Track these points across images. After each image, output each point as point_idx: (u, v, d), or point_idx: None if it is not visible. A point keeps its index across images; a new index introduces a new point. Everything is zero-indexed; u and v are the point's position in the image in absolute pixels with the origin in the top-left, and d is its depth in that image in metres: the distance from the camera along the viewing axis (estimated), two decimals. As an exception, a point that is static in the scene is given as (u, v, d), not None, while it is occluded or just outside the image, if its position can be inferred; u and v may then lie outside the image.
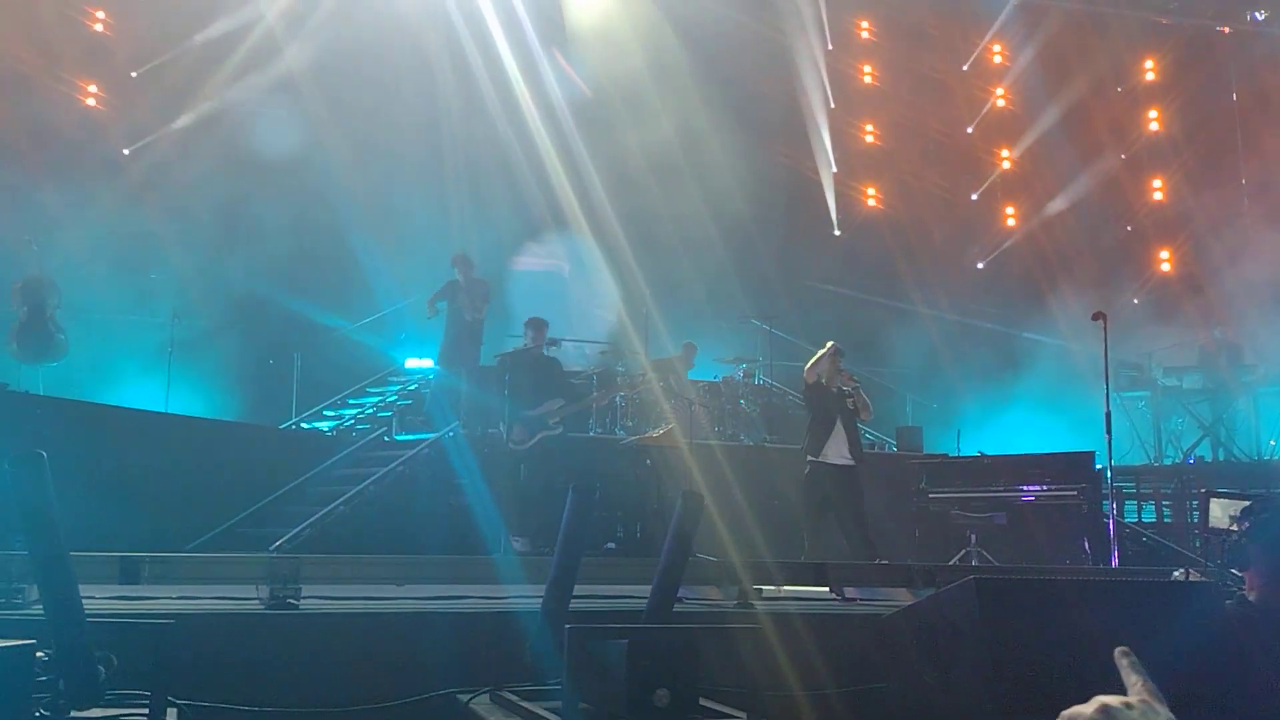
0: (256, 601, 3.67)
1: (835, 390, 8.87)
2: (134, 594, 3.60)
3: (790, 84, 16.17)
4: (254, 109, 13.12)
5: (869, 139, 16.21)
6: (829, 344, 9.01)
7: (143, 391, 10.72)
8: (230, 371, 11.74)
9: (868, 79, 16.21)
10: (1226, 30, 14.99)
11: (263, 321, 12.38)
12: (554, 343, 10.15)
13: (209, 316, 11.66)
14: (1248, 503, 4.27)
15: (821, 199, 16.17)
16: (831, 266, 15.40)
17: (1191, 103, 14.81)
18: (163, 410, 10.33)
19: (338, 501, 9.00)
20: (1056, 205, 14.99)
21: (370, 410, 11.99)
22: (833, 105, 16.12)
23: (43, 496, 2.29)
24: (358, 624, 3.57)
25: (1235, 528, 3.50)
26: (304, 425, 11.74)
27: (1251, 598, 3.40)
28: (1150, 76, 15.30)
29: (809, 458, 8.79)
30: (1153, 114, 15.24)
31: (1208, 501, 4.34)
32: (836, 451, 8.73)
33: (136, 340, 11.09)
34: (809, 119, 16.13)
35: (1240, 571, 3.47)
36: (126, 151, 12.40)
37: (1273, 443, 12.18)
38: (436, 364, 10.85)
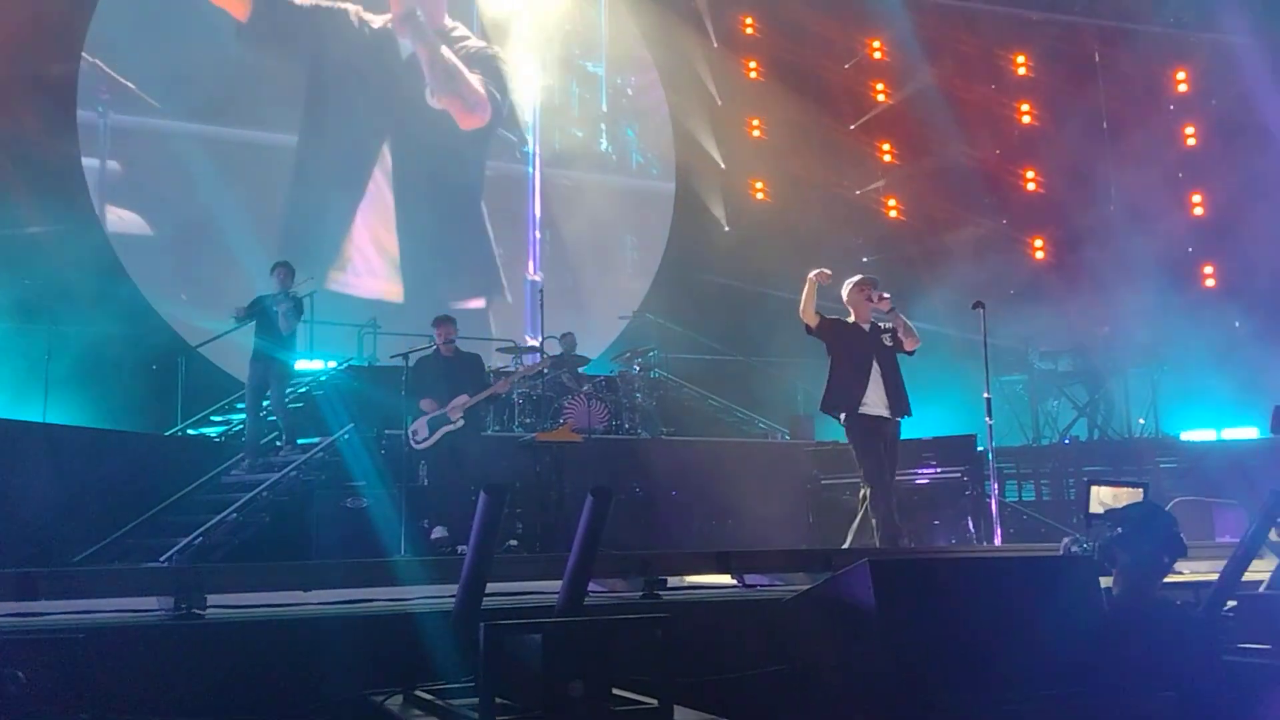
0: (160, 613, 3.62)
1: (868, 326, 7.49)
2: (32, 610, 3.51)
3: (677, 80, 16.40)
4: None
5: (756, 134, 16.50)
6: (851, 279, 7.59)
7: (18, 401, 10.31)
8: (111, 379, 11.36)
9: (753, 74, 16.50)
10: (1092, 25, 15.70)
11: (145, 327, 12.05)
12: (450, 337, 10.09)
13: (89, 323, 11.27)
14: (1127, 490, 4.54)
15: (711, 193, 16.42)
16: (723, 260, 15.64)
17: (1060, 97, 15.44)
18: (40, 420, 9.96)
19: (229, 510, 8.82)
20: (936, 197, 15.48)
21: (261, 414, 11.75)
22: (720, 102, 16.38)
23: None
24: (265, 631, 3.55)
25: (1109, 528, 3.77)
26: (190, 432, 11.46)
27: (1115, 593, 3.70)
28: (1022, 71, 15.88)
29: (842, 414, 7.37)
30: (1025, 107, 15.84)
31: (1088, 490, 4.59)
32: (876, 402, 7.28)
33: (11, 349, 10.67)
34: (696, 115, 16.37)
35: (1110, 567, 3.74)
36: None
37: (1141, 421, 12.85)
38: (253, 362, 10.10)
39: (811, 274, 7.33)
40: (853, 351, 7.42)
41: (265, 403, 10.09)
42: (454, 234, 14.84)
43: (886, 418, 7.32)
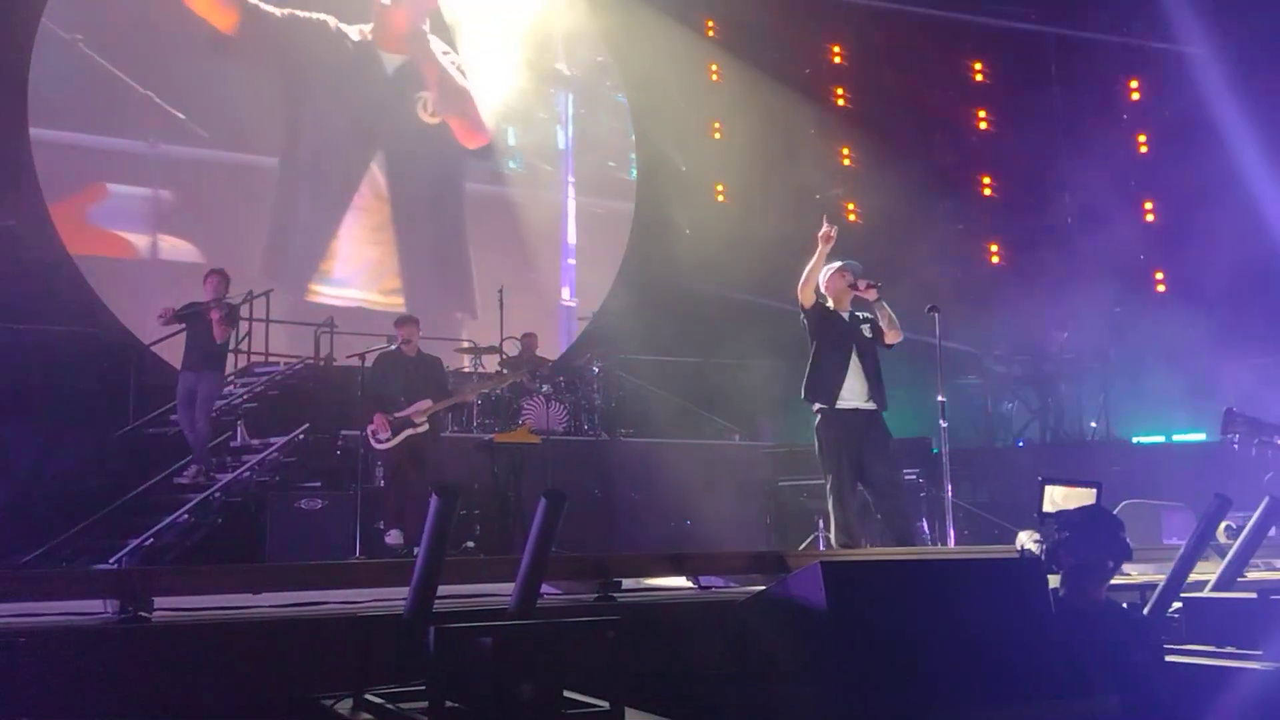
0: (105, 615, 3.57)
1: (847, 315, 7.23)
2: (-28, 613, 3.44)
3: (639, 80, 16.41)
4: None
5: (717, 136, 16.52)
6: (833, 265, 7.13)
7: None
8: (62, 377, 11.17)
9: (714, 77, 16.53)
10: (1049, 34, 15.90)
11: (97, 324, 11.88)
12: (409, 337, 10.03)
13: (39, 320, 11.08)
14: (1081, 490, 4.58)
15: (673, 195, 16.42)
16: (684, 261, 15.66)
17: (1017, 104, 15.60)
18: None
19: (180, 511, 8.73)
20: (895, 201, 15.59)
21: (215, 414, 11.62)
22: (682, 103, 16.40)
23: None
24: (213, 634, 3.50)
25: (1056, 531, 3.83)
26: (143, 432, 11.30)
27: (1061, 594, 3.76)
28: (980, 78, 16.03)
29: (818, 405, 7.02)
30: (982, 114, 15.99)
31: (1043, 488, 4.63)
32: (855, 393, 7.01)
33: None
34: (657, 115, 16.39)
35: (1056, 569, 3.79)
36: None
37: (1094, 424, 13.02)
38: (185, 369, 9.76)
39: (820, 232, 6.95)
40: (834, 340, 7.12)
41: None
42: (444, 249, 14.88)
43: (868, 409, 7.05)
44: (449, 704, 2.87)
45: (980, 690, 3.38)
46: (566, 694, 2.92)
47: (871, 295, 7.13)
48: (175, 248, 13.12)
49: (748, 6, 15.68)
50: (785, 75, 16.22)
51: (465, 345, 12.41)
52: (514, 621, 3.14)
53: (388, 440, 8.83)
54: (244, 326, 12.12)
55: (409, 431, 8.87)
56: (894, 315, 7.22)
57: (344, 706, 3.20)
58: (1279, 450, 7.24)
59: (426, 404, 8.93)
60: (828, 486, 7.03)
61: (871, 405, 7.09)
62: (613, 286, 15.91)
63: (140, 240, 12.99)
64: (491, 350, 11.93)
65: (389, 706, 3.06)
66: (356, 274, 14.26)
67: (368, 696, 3.17)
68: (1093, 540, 3.72)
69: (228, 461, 9.78)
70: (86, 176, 12.71)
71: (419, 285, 14.49)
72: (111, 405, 11.30)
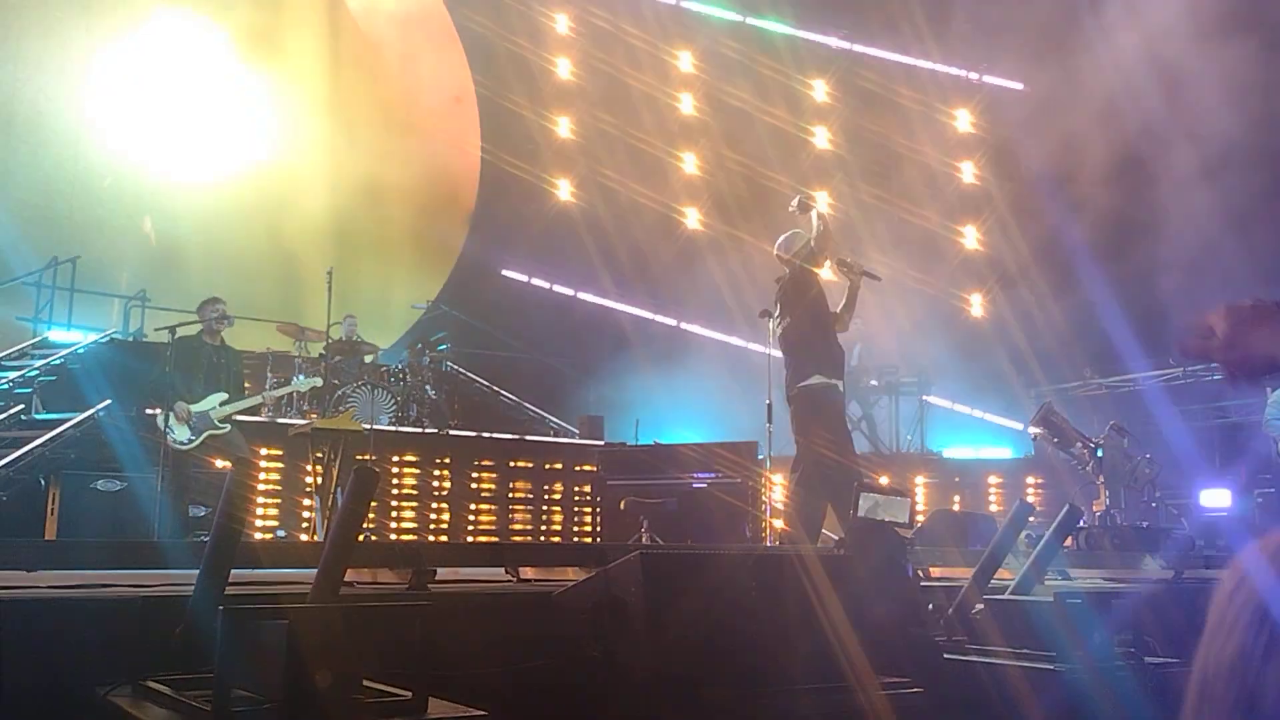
0: None
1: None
2: None
3: (489, 67, 16.20)
4: None
5: (567, 133, 16.41)
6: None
7: None
8: None
9: (569, 75, 16.42)
10: (890, 60, 16.50)
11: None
12: (225, 318, 9.52)
13: None
14: (894, 498, 4.69)
15: (516, 188, 16.22)
16: (524, 256, 15.52)
17: (855, 124, 16.11)
18: None
19: (-36, 487, 8.05)
20: (734, 212, 15.84)
21: (6, 386, 10.81)
22: (529, 96, 16.25)
23: None
24: (-24, 614, 3.18)
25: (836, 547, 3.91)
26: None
27: None
28: (821, 98, 16.48)
29: (829, 379, 6.02)
30: (822, 131, 16.43)
31: (858, 494, 4.74)
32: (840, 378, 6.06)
33: None
34: (507, 104, 16.18)
35: None
36: None
37: (909, 437, 13.56)
38: None
39: (808, 203, 6.19)
40: (824, 308, 6.31)
41: None
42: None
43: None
44: (238, 691, 2.68)
45: (793, 680, 3.40)
46: (368, 683, 2.78)
47: (858, 275, 6.35)
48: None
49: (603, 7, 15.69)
50: (634, 79, 16.28)
51: (286, 326, 11.84)
52: (313, 604, 2.97)
53: (189, 443, 8.29)
54: (44, 294, 11.34)
55: (210, 432, 8.36)
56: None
57: (122, 695, 2.96)
58: (1075, 458, 7.70)
59: (222, 397, 8.42)
60: (848, 466, 6.00)
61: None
62: (449, 278, 15.61)
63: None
64: (317, 334, 11.49)
65: (171, 694, 2.84)
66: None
67: (149, 684, 2.94)
68: (863, 559, 3.77)
69: (20, 436, 9.06)
70: None
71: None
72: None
